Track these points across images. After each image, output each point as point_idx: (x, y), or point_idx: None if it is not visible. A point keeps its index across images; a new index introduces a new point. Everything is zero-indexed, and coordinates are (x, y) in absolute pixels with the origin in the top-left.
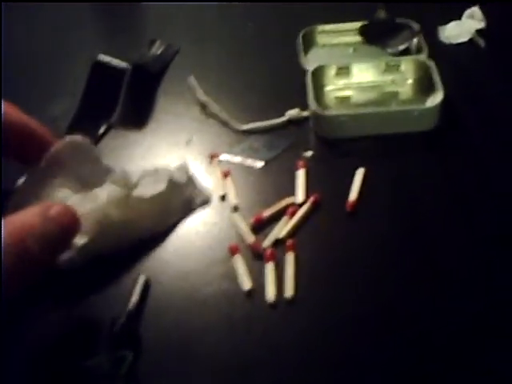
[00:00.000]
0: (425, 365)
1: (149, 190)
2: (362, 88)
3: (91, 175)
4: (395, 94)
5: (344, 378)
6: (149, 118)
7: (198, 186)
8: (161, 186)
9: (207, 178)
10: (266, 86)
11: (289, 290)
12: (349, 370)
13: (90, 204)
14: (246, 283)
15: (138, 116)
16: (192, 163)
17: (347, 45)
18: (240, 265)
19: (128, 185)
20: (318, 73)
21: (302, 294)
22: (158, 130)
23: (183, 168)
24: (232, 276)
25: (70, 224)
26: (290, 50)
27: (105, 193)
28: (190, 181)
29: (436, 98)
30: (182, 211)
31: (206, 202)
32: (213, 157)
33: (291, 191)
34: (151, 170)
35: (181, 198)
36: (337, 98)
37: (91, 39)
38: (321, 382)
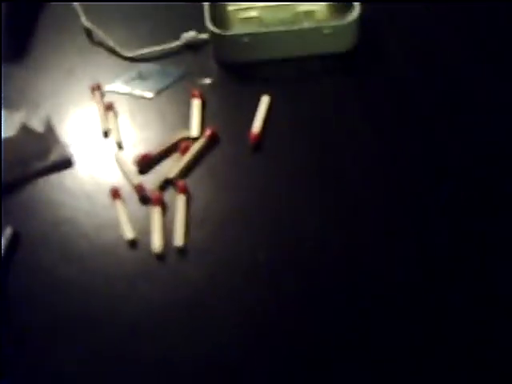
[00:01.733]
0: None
1: None
2: (271, 8)
3: None
4: (310, 14)
5: (242, 336)
6: (27, 49)
7: (57, 139)
8: (10, 131)
9: (87, 113)
10: (160, 8)
11: (178, 239)
12: (246, 327)
13: None
14: (128, 232)
15: (15, 47)
16: (57, 113)
17: None
18: (122, 211)
19: None
20: None
21: (195, 242)
22: (37, 63)
23: (43, 116)
24: (114, 224)
25: None
26: None
27: None
28: (49, 132)
29: (352, 15)
30: (36, 164)
31: (64, 159)
32: (94, 89)
33: (185, 125)
34: (3, 112)
35: (34, 149)
36: (242, 19)
37: None
38: (216, 343)
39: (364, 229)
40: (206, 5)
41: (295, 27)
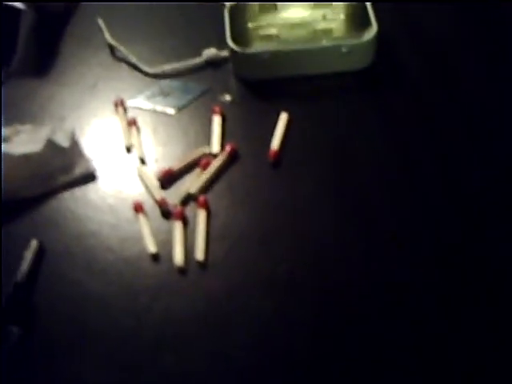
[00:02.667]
0: (347, 323)
1: (21, 147)
2: (290, 25)
3: None
4: (327, 31)
5: (261, 349)
6: (52, 63)
7: (82, 154)
8: (36, 146)
9: (112, 128)
10: (182, 26)
11: (199, 252)
12: (264, 340)
13: None
14: (151, 246)
15: (41, 62)
16: (81, 127)
17: None
18: (145, 225)
19: None
20: (239, 9)
21: (215, 255)
22: (61, 77)
23: (68, 131)
24: (137, 238)
25: None
26: None
27: None
28: (74, 147)
29: (370, 33)
30: (61, 178)
31: (88, 174)
32: (118, 104)
33: (206, 141)
34: (29, 127)
35: (59, 164)
36: (262, 36)
37: None
38: (236, 355)
39: (383, 244)
40: (227, 22)
41: (314, 46)
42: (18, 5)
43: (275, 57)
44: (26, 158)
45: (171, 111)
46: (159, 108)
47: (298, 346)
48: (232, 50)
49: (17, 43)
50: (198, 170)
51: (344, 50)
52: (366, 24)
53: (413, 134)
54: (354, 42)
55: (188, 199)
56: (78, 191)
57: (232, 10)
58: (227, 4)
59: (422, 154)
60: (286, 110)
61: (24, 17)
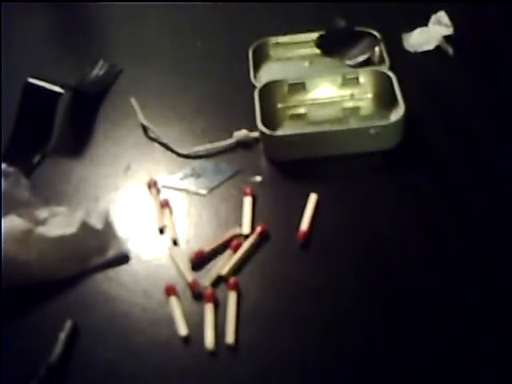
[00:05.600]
0: None
1: (57, 230)
2: (318, 105)
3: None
4: (355, 110)
5: None
6: (87, 144)
7: (115, 235)
8: (71, 229)
9: (144, 209)
10: (213, 107)
11: (230, 336)
12: None
13: None
14: (182, 329)
15: (76, 143)
16: (114, 208)
17: (302, 58)
18: (176, 308)
19: (34, 220)
20: (269, 90)
21: (245, 338)
22: (95, 157)
23: (102, 212)
24: (168, 320)
25: None
26: (241, 66)
27: (5, 225)
28: (108, 228)
29: (398, 113)
30: (94, 259)
31: (121, 255)
32: (151, 185)
33: (237, 221)
34: (65, 210)
35: (93, 245)
36: (291, 116)
37: (33, 61)
38: None
39: (412, 324)
40: (257, 104)
41: (342, 127)
42: (56, 88)
43: (304, 139)
44: (61, 239)
45: (203, 192)
46: (192, 188)
47: None
48: (262, 133)
49: (53, 125)
50: (229, 251)
51: (372, 131)
52: (393, 101)
53: (441, 214)
54: (382, 123)
55: (219, 281)
56: (111, 272)
57: (262, 91)
58: (258, 85)
59: (449, 235)
60: (315, 190)
61: (61, 99)
